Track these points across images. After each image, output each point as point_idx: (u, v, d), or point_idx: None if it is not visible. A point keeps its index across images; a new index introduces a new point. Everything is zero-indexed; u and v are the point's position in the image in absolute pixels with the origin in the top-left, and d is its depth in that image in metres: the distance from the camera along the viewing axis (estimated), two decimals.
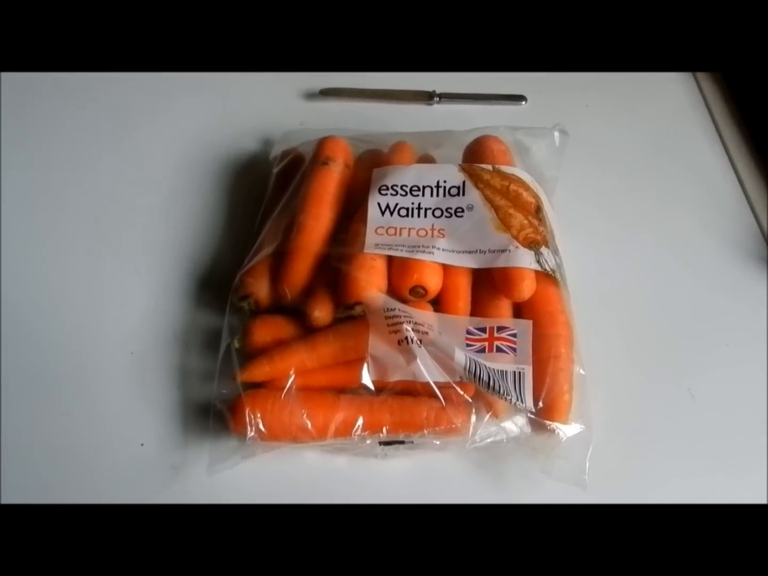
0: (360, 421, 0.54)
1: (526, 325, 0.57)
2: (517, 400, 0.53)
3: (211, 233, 0.71)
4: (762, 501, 0.55)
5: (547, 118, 0.73)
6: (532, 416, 0.54)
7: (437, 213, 0.62)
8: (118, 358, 0.62)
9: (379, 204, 0.62)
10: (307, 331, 0.58)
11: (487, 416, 0.54)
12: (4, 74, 0.83)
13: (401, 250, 0.59)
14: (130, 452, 0.57)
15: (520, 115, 0.84)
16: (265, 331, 0.59)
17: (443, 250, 0.59)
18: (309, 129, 0.73)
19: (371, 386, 0.55)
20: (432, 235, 0.61)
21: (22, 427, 0.58)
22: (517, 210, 0.62)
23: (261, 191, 0.70)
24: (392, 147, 0.70)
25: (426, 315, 0.57)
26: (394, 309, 0.56)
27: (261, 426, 0.53)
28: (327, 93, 0.84)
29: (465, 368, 0.53)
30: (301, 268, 0.60)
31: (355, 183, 0.67)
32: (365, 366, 0.55)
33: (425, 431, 0.54)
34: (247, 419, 0.52)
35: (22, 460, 0.56)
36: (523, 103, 0.85)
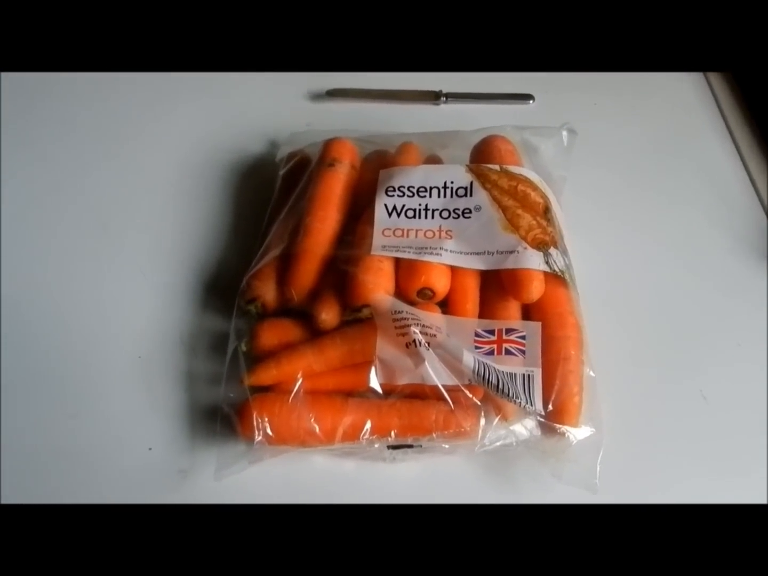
0: (368, 425, 0.53)
1: (535, 327, 0.57)
2: (527, 403, 0.53)
3: (218, 236, 0.71)
4: None
5: (554, 117, 0.73)
6: (541, 419, 0.53)
7: (444, 214, 0.62)
8: (126, 362, 0.62)
9: (386, 205, 0.62)
10: (315, 334, 0.58)
11: (496, 419, 0.53)
12: (6, 74, 0.83)
13: (408, 252, 0.59)
14: (137, 456, 0.57)
15: (527, 114, 0.83)
16: (272, 334, 0.58)
17: (451, 251, 0.59)
18: (315, 130, 0.73)
19: (379, 389, 0.54)
20: (439, 237, 0.60)
21: (30, 431, 0.58)
22: (525, 210, 0.61)
23: (267, 193, 0.70)
24: (399, 148, 0.69)
25: (434, 317, 0.57)
26: (402, 311, 0.55)
27: (269, 430, 0.52)
28: (333, 94, 0.84)
29: (474, 371, 0.53)
30: (307, 271, 0.60)
31: (362, 184, 0.66)
32: (373, 369, 0.54)
33: (434, 435, 0.53)
34: (255, 423, 0.52)
35: (30, 464, 0.56)
36: (531, 102, 0.84)
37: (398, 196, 0.63)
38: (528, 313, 0.59)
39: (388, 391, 0.55)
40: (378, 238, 0.60)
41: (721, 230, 0.73)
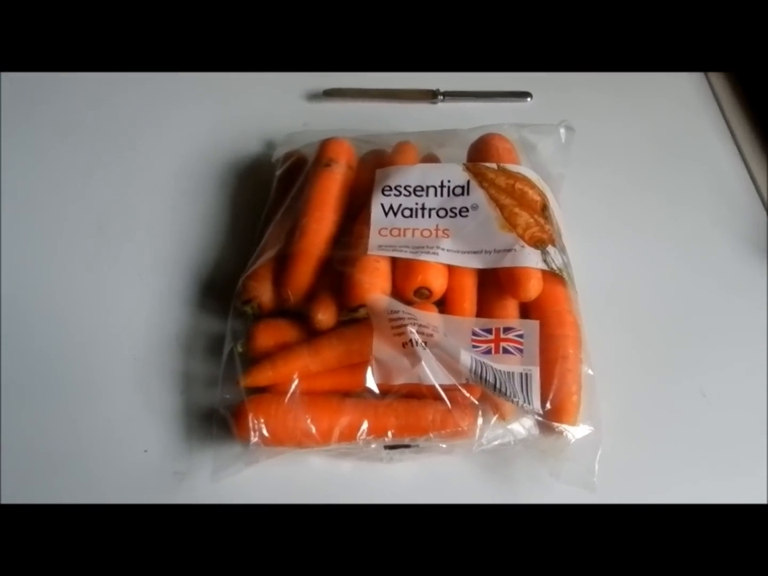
0: (365, 425, 0.53)
1: (533, 325, 0.56)
2: (525, 402, 0.52)
3: (214, 237, 0.70)
4: None
5: (553, 115, 0.72)
6: (539, 418, 0.53)
7: (441, 213, 0.61)
8: (122, 364, 0.61)
9: (382, 205, 0.62)
10: (311, 334, 0.57)
11: (494, 419, 0.53)
12: (5, 74, 0.83)
13: (405, 252, 0.58)
14: (133, 458, 0.56)
15: (525, 112, 0.83)
16: (269, 335, 0.58)
17: (448, 250, 0.59)
18: (312, 130, 0.72)
19: (376, 390, 0.54)
20: (436, 236, 0.60)
21: (26, 432, 0.58)
22: (523, 209, 0.61)
23: (264, 194, 0.70)
24: (395, 147, 0.69)
25: (431, 317, 0.57)
26: (399, 311, 0.55)
27: (265, 431, 0.52)
28: (330, 93, 0.83)
29: (471, 370, 0.52)
30: (304, 272, 0.59)
31: (359, 184, 0.66)
32: (369, 369, 0.54)
33: (431, 434, 0.53)
34: (251, 425, 0.52)
35: (28, 465, 0.56)
36: (529, 99, 0.84)
37: (395, 195, 0.62)
38: (526, 311, 0.59)
39: (385, 391, 0.54)
40: (374, 238, 0.60)
41: (722, 229, 0.72)
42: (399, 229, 0.60)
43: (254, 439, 0.52)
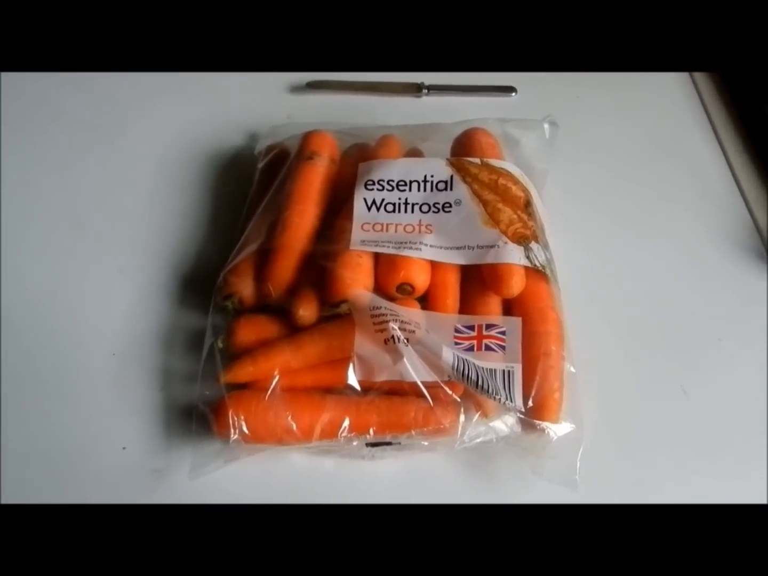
0: (346, 422, 0.53)
1: (516, 322, 0.56)
2: (507, 399, 0.52)
3: (195, 230, 0.69)
4: (755, 501, 0.54)
5: (537, 110, 0.72)
6: (521, 416, 0.53)
7: (425, 208, 0.61)
8: (100, 359, 0.61)
9: (365, 199, 0.61)
10: (293, 330, 0.57)
11: (476, 416, 0.53)
12: None
13: (388, 247, 0.58)
14: (111, 456, 0.56)
15: (510, 106, 0.83)
16: (250, 330, 0.57)
17: (431, 246, 0.58)
18: (295, 123, 0.72)
19: (357, 386, 0.54)
20: (419, 231, 0.59)
21: (1, 429, 0.57)
22: (506, 204, 0.60)
23: (246, 187, 0.69)
24: (379, 141, 0.68)
25: (413, 313, 0.56)
26: (381, 307, 0.55)
27: (245, 428, 0.51)
28: (314, 85, 0.83)
29: (453, 367, 0.52)
30: (285, 266, 0.59)
31: (342, 178, 0.66)
32: (351, 366, 0.54)
33: (413, 432, 0.53)
34: (231, 421, 0.51)
35: (2, 463, 0.55)
36: (513, 94, 0.84)
37: (378, 189, 0.62)
38: (509, 308, 0.58)
39: (367, 388, 0.54)
40: (357, 233, 0.59)
41: (704, 226, 0.72)
42: (382, 224, 0.60)
43: (234, 436, 0.51)
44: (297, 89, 0.83)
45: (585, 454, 0.52)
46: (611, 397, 0.59)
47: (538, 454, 0.53)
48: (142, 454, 0.56)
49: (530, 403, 0.53)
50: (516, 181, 0.63)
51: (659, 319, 0.65)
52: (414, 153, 0.68)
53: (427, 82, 0.83)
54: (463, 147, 0.67)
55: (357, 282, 0.56)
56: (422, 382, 0.52)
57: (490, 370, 0.53)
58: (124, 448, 0.56)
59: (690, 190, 0.76)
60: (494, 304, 0.58)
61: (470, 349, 0.55)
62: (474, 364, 0.53)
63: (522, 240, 0.58)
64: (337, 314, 0.56)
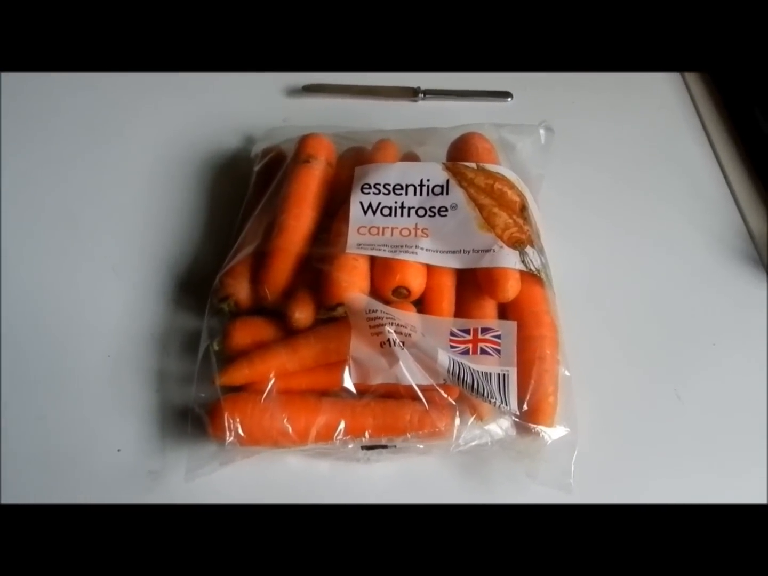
0: (342, 425, 0.53)
1: (511, 326, 0.57)
2: (502, 402, 0.52)
3: (191, 233, 0.69)
4: (749, 501, 0.55)
5: (533, 115, 0.72)
6: (516, 419, 0.53)
7: (420, 212, 0.61)
8: (95, 361, 0.60)
9: (361, 203, 0.61)
10: (288, 333, 0.57)
11: (471, 419, 0.53)
12: None
13: (384, 250, 0.58)
14: (106, 458, 0.55)
15: (505, 111, 0.83)
16: (245, 333, 0.57)
17: (427, 250, 0.58)
18: (291, 126, 0.72)
19: (353, 389, 0.54)
20: (415, 235, 0.60)
21: None
22: (502, 209, 0.61)
23: (242, 190, 0.69)
24: (375, 145, 0.68)
25: (409, 316, 0.56)
26: (377, 310, 0.55)
27: (240, 431, 0.51)
28: (310, 89, 0.83)
29: (448, 370, 0.52)
30: (281, 269, 0.59)
31: (338, 181, 0.66)
32: (347, 369, 0.54)
33: (408, 435, 0.53)
34: (226, 424, 0.51)
35: None
36: (509, 99, 0.84)
37: (374, 193, 0.62)
38: (504, 312, 0.59)
39: (363, 391, 0.54)
40: (353, 236, 0.59)
41: (697, 228, 0.73)
42: (378, 228, 0.60)
43: (230, 438, 0.51)
44: (293, 92, 0.83)
45: (579, 457, 0.52)
46: (605, 401, 0.59)
47: (532, 458, 0.53)
48: (137, 455, 0.56)
49: (525, 407, 0.53)
50: (512, 186, 0.63)
51: (653, 323, 0.66)
52: (410, 157, 0.69)
53: (423, 87, 0.84)
54: (460, 151, 0.67)
55: (353, 285, 0.56)
56: (418, 386, 0.52)
57: (486, 373, 0.54)
58: (119, 450, 0.56)
59: (682, 193, 0.76)
60: (489, 308, 0.58)
61: (465, 352, 0.55)
62: (469, 367, 0.53)
63: (517, 244, 0.59)
64: (332, 317, 0.56)
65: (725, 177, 0.78)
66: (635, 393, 0.61)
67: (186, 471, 0.52)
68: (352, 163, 0.66)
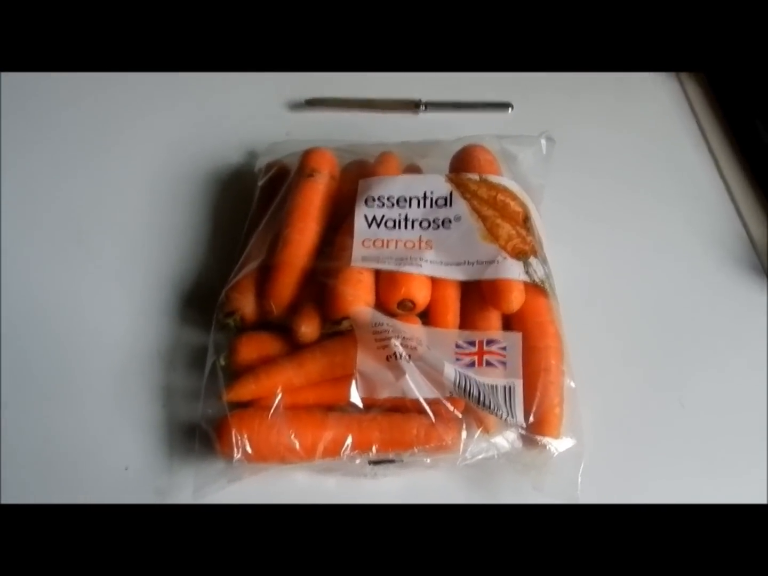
0: (349, 440, 0.53)
1: (516, 337, 0.57)
2: (508, 415, 0.52)
3: (196, 248, 0.70)
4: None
5: (532, 125, 0.72)
6: (522, 431, 0.53)
7: (424, 224, 0.61)
8: (101, 377, 0.61)
9: (365, 216, 0.62)
10: (294, 347, 0.57)
11: (478, 432, 0.53)
12: None
13: (389, 263, 0.58)
14: (113, 475, 0.55)
15: (506, 122, 0.83)
16: (252, 348, 0.58)
17: (431, 262, 0.59)
18: (294, 140, 0.72)
19: (360, 404, 0.54)
20: (420, 247, 0.60)
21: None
22: (505, 220, 0.61)
23: (246, 204, 0.69)
24: (378, 158, 0.69)
25: (415, 329, 0.56)
26: (382, 324, 0.55)
27: (248, 447, 0.51)
28: (312, 103, 0.83)
29: (455, 383, 0.52)
30: (287, 283, 0.59)
31: (342, 194, 0.66)
32: (354, 383, 0.54)
33: (415, 449, 0.53)
34: (234, 441, 0.51)
35: (4, 482, 0.55)
36: (510, 110, 0.84)
37: (378, 206, 0.62)
38: (508, 323, 0.59)
39: (369, 405, 0.54)
40: (358, 250, 0.59)
41: (698, 236, 0.73)
42: (382, 241, 0.60)
43: (237, 455, 0.51)
44: (295, 107, 0.83)
45: (585, 468, 0.52)
46: (611, 412, 0.59)
47: (539, 470, 0.53)
48: (144, 474, 0.56)
49: (531, 419, 0.53)
50: (514, 197, 0.63)
51: (656, 330, 0.66)
52: (413, 169, 0.69)
53: (424, 99, 0.84)
54: (462, 163, 0.67)
55: (358, 299, 0.56)
56: (424, 399, 0.52)
57: (492, 386, 0.54)
58: (126, 468, 0.56)
59: (682, 198, 0.77)
60: (494, 319, 0.58)
61: (471, 365, 0.55)
62: (475, 380, 0.53)
63: (521, 255, 0.59)
64: (338, 331, 0.57)
65: (725, 184, 0.78)
66: (640, 402, 0.61)
67: (194, 489, 0.52)
68: (355, 177, 0.66)
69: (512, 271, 0.57)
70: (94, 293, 0.66)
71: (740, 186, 0.78)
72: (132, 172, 0.76)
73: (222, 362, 0.57)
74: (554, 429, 0.53)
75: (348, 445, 0.52)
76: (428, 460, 0.54)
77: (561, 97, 0.86)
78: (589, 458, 0.53)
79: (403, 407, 0.54)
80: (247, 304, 0.59)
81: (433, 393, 0.53)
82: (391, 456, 0.53)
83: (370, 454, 0.53)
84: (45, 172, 0.76)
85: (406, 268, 0.58)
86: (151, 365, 0.61)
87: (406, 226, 0.61)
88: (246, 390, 0.55)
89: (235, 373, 0.56)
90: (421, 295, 0.58)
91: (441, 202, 0.62)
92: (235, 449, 0.51)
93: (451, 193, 0.62)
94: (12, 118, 0.81)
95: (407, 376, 0.53)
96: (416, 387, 0.53)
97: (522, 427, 0.53)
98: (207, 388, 0.56)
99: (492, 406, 0.52)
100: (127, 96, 0.83)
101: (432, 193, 0.63)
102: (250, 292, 0.60)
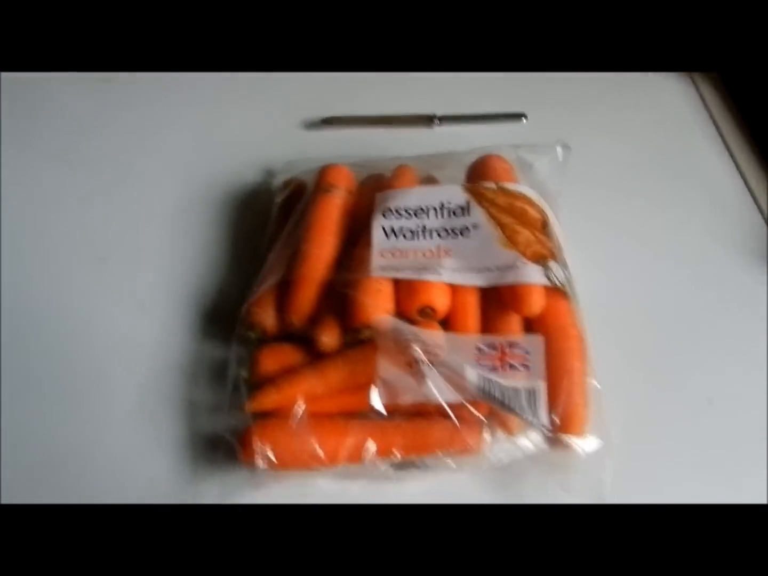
0: (372, 446, 0.52)
1: (538, 341, 0.56)
2: (532, 417, 0.52)
3: (216, 265, 0.70)
4: None
5: (547, 133, 0.73)
6: (548, 433, 0.52)
7: (443, 233, 0.61)
8: (125, 392, 0.61)
9: (383, 227, 0.62)
10: (315, 357, 0.57)
11: (502, 434, 0.53)
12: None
13: (408, 272, 0.58)
14: (138, 487, 0.56)
15: (521, 132, 0.83)
16: (273, 359, 0.58)
17: (450, 269, 0.59)
18: (311, 158, 0.73)
19: (382, 410, 0.54)
20: (438, 256, 0.60)
21: (27, 461, 0.57)
22: (524, 226, 0.61)
23: (264, 222, 0.70)
24: (394, 171, 0.69)
25: (435, 335, 0.56)
26: (403, 331, 0.55)
27: (272, 456, 0.52)
28: (328, 121, 0.84)
29: (477, 386, 0.52)
30: (307, 296, 0.59)
31: (359, 209, 0.66)
32: (375, 390, 0.54)
33: (439, 453, 0.53)
34: (257, 450, 0.51)
35: (28, 497, 0.55)
36: (524, 120, 0.85)
37: (395, 217, 0.62)
38: (530, 327, 0.58)
39: (392, 411, 0.54)
40: (376, 260, 0.60)
41: (718, 236, 0.73)
42: (400, 251, 0.60)
43: (261, 464, 0.51)
44: (311, 125, 0.85)
45: (613, 468, 0.51)
46: (636, 411, 0.58)
47: (566, 471, 0.52)
48: (169, 485, 0.55)
49: (556, 420, 0.52)
50: (532, 204, 0.63)
51: (679, 331, 0.65)
52: (429, 181, 0.69)
53: (438, 113, 0.85)
54: (479, 173, 0.67)
55: (378, 308, 0.57)
56: (447, 403, 0.52)
57: (515, 388, 0.53)
58: (151, 480, 0.56)
59: (701, 200, 0.76)
60: (515, 323, 0.58)
61: (493, 369, 0.54)
62: (498, 383, 0.53)
63: (540, 259, 0.59)
64: (359, 340, 0.57)
65: (747, 186, 0.77)
66: (666, 401, 0.60)
67: (219, 497, 0.52)
68: (372, 191, 0.66)
69: (532, 275, 0.57)
70: (118, 311, 0.67)
71: (763, 187, 0.77)
72: (153, 193, 0.77)
73: (244, 374, 0.57)
74: (579, 428, 0.52)
75: (371, 451, 0.52)
76: (452, 464, 0.53)
77: (573, 106, 0.87)
78: (617, 458, 0.52)
79: (425, 412, 0.54)
80: (267, 318, 0.59)
81: (456, 397, 0.52)
82: (414, 460, 0.53)
83: (394, 458, 0.52)
84: (67, 193, 0.77)
85: (426, 276, 0.58)
86: (174, 379, 0.62)
87: (424, 236, 0.61)
88: (269, 400, 0.55)
89: (257, 385, 0.56)
90: (441, 302, 0.58)
91: (458, 211, 0.62)
92: (259, 458, 0.51)
93: (468, 202, 0.63)
94: (37, 138, 0.83)
95: (429, 381, 0.52)
96: (438, 391, 0.52)
97: (547, 428, 0.52)
98: (230, 400, 0.56)
99: (516, 409, 0.52)
100: (145, 117, 0.85)
101: (449, 202, 0.63)
102: (270, 307, 0.60)
